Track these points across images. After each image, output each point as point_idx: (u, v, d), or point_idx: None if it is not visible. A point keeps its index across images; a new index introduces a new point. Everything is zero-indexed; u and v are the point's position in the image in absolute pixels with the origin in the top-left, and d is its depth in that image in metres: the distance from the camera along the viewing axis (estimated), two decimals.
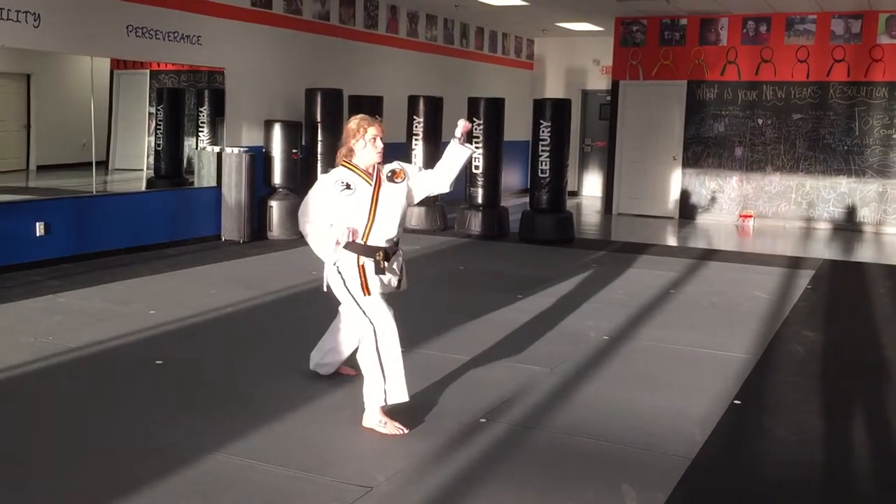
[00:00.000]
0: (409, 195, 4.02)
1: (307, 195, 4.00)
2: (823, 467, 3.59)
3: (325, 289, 4.00)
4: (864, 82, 11.51)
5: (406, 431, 3.76)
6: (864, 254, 9.83)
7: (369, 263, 3.84)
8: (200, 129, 9.57)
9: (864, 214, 11.67)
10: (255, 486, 3.23)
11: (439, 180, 4.07)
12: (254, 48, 9.53)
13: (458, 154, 4.05)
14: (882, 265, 8.84)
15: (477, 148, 10.19)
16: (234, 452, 3.51)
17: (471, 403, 4.14)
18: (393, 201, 3.91)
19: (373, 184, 3.87)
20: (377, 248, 3.86)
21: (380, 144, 3.89)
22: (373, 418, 3.81)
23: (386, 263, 3.87)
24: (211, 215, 9.08)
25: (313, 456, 3.52)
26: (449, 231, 10.42)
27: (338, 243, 3.83)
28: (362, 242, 3.85)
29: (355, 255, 3.85)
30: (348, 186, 3.84)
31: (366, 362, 3.84)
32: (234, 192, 8.97)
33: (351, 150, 3.90)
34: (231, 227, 9.07)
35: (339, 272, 3.88)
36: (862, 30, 11.45)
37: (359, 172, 3.89)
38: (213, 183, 9.17)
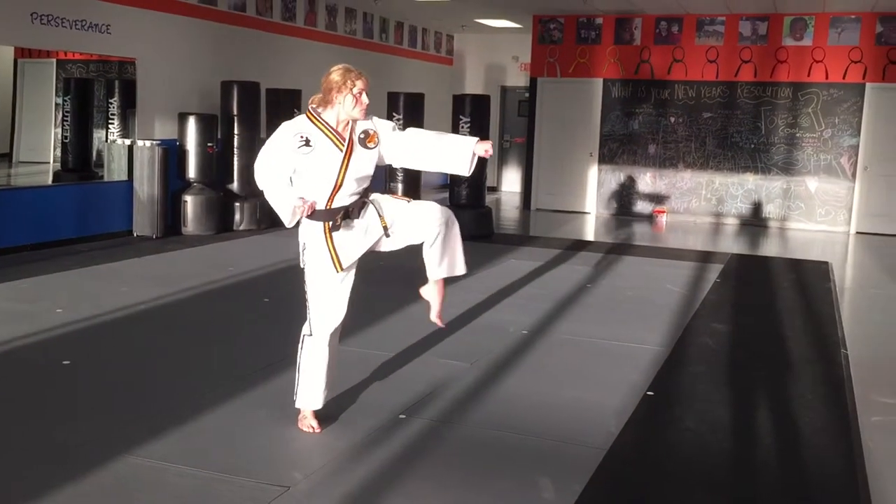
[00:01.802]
0: (380, 159, 3.65)
1: (265, 144, 3.59)
2: (731, 456, 3.72)
3: (301, 265, 3.66)
4: (769, 83, 11.96)
5: (317, 431, 3.70)
6: (770, 248, 10.23)
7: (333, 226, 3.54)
8: (111, 121, 9.27)
9: (770, 210, 12.13)
10: (169, 488, 3.15)
11: (412, 162, 3.73)
12: (167, 38, 9.28)
13: (459, 155, 3.67)
14: (786, 259, 9.21)
15: None
16: (146, 455, 3.42)
17: (390, 399, 4.14)
18: (362, 168, 3.56)
19: (344, 147, 3.50)
20: (340, 209, 3.53)
21: (366, 100, 3.52)
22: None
23: (347, 221, 3.53)
24: (122, 210, 8.81)
25: (229, 456, 3.46)
26: None
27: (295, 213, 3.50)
28: (325, 208, 3.52)
29: (321, 224, 3.53)
30: (307, 143, 3.46)
31: (297, 358, 3.72)
32: (147, 186, 8.72)
33: (328, 103, 3.51)
34: (143, 222, 8.81)
35: (303, 249, 3.59)
36: (768, 32, 11.89)
37: (324, 129, 3.51)
38: (125, 177, 8.90)
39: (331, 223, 3.54)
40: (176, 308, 6.02)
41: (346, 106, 3.51)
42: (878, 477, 3.53)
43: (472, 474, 3.38)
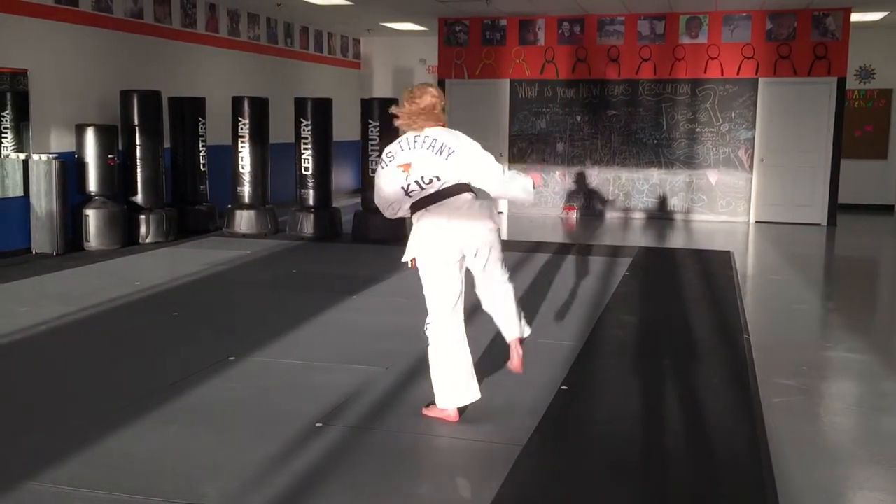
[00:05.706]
0: None
1: (481, 148, 4.00)
2: (642, 444, 3.82)
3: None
4: (669, 80, 12.33)
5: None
6: (675, 240, 10.55)
7: None
8: (3, 135, 8.87)
9: (674, 203, 12.51)
10: None
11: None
12: (60, 48, 8.95)
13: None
14: (691, 250, 9.52)
15: (306, 149, 10.07)
16: (52, 480, 3.29)
17: (306, 408, 4.09)
18: None
19: None
20: None
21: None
22: None
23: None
24: (19, 227, 8.45)
25: (139, 476, 3.35)
26: (281, 234, 10.24)
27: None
28: None
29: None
30: None
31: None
32: (45, 201, 8.38)
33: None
34: (42, 239, 8.47)
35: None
36: (665, 31, 12.26)
37: None
38: (20, 192, 8.54)
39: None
40: (80, 326, 5.81)
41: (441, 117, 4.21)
42: (781, 456, 3.68)
43: (391, 480, 3.37)
